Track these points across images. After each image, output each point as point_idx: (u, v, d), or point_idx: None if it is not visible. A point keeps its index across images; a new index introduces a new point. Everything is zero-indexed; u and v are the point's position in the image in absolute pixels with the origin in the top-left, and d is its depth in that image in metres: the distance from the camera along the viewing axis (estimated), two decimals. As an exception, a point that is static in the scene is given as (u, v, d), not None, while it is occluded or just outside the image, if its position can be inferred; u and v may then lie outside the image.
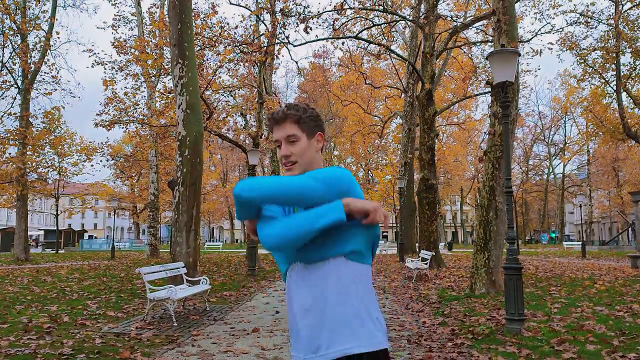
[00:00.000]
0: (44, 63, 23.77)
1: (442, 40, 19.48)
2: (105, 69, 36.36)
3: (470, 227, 74.07)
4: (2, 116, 23.23)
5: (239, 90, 23.13)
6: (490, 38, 19.58)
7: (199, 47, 16.93)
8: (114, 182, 46.46)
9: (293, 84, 64.51)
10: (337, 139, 52.93)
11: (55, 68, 43.19)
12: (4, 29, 22.35)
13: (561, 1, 56.51)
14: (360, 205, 1.43)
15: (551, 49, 26.53)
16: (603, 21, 22.95)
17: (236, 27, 18.40)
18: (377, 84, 33.67)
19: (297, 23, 17.40)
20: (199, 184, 10.32)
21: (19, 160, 22.57)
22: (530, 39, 24.63)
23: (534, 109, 76.81)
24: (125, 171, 42.79)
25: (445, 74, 30.79)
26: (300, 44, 18.49)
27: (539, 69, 58.60)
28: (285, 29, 17.92)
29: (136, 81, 23.07)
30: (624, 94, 22.94)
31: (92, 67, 24.13)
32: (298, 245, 1.44)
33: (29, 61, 22.75)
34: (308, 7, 20.70)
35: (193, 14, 12.50)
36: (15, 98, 23.77)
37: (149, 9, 23.20)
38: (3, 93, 22.99)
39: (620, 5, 22.01)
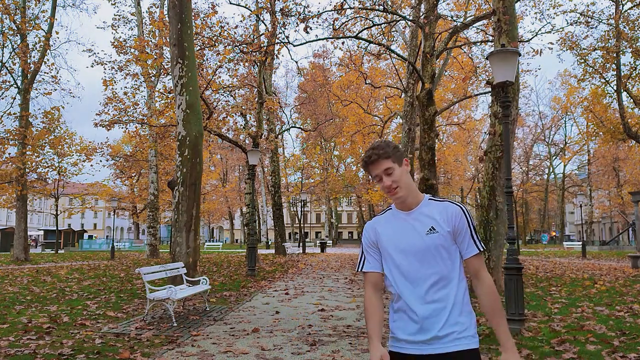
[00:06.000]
0: (43, 63, 23.76)
1: (442, 40, 19.44)
2: (105, 68, 36.64)
3: (471, 227, 73.87)
4: (2, 116, 23.22)
5: (238, 90, 23.11)
6: (491, 38, 19.58)
7: (199, 47, 16.91)
8: (114, 182, 46.46)
9: (293, 83, 64.56)
10: (337, 139, 52.90)
11: (55, 68, 43.25)
12: (4, 28, 22.35)
13: (561, 1, 56.42)
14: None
15: (551, 48, 26.52)
16: (603, 21, 22.93)
17: (236, 27, 18.39)
18: (377, 84, 33.65)
19: (297, 23, 17.40)
20: (199, 184, 10.31)
21: (19, 160, 22.55)
22: (531, 39, 24.61)
23: (534, 109, 76.93)
24: (125, 171, 42.77)
25: (446, 73, 30.76)
26: (300, 44, 18.46)
27: (539, 69, 58.32)
28: (285, 28, 17.93)
29: (136, 81, 23.06)
30: (624, 94, 22.92)
31: (92, 67, 24.14)
32: None
33: (28, 61, 22.74)
34: (308, 6, 20.68)
35: (193, 14, 12.48)
36: (15, 98, 23.77)
37: (148, 8, 23.19)
38: (3, 93, 22.99)
39: (621, 5, 21.98)
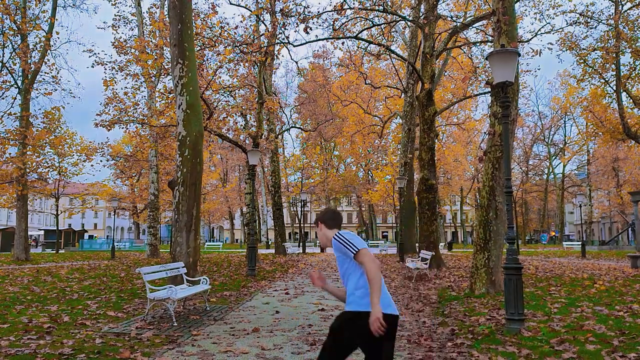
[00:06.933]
0: (44, 63, 23.75)
1: (442, 40, 19.48)
2: (105, 69, 36.51)
3: (470, 227, 74.10)
4: (2, 116, 23.23)
5: (239, 90, 23.11)
6: (490, 38, 19.59)
7: (199, 47, 16.92)
8: (114, 182, 46.52)
9: (293, 84, 64.56)
10: (337, 139, 52.90)
11: (56, 68, 43.19)
12: (4, 29, 22.32)
13: (561, 1, 56.52)
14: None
15: (551, 49, 26.56)
16: (603, 21, 22.94)
17: (236, 27, 18.40)
18: (377, 84, 33.70)
19: (297, 23, 17.42)
20: (199, 184, 10.33)
21: (19, 160, 22.56)
22: (530, 39, 24.65)
23: (534, 109, 76.79)
24: (125, 171, 42.81)
25: (445, 74, 30.80)
26: (300, 44, 18.54)
27: (538, 69, 58.37)
28: (285, 29, 17.94)
29: (136, 81, 23.03)
30: (623, 94, 22.95)
31: (92, 67, 24.12)
32: None
33: (29, 61, 22.73)
34: (308, 7, 20.69)
35: (193, 14, 12.50)
36: (15, 98, 23.77)
37: (149, 9, 23.18)
38: (3, 93, 22.97)
39: (620, 5, 22.01)
